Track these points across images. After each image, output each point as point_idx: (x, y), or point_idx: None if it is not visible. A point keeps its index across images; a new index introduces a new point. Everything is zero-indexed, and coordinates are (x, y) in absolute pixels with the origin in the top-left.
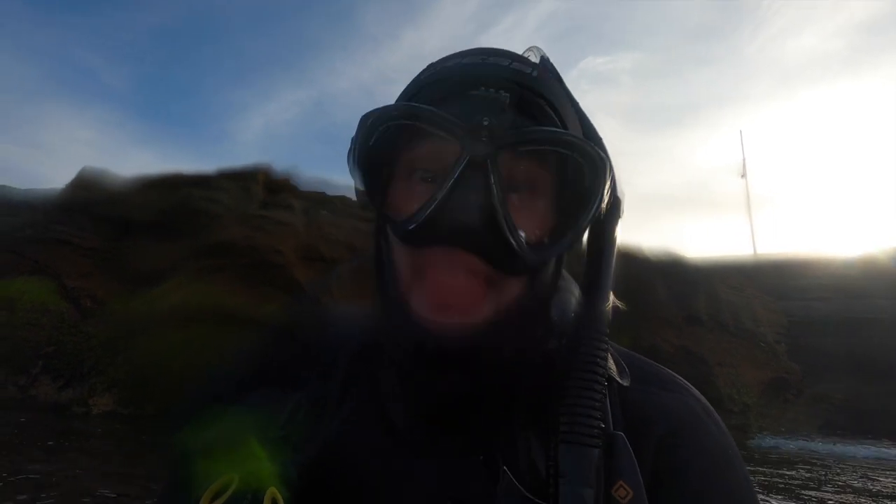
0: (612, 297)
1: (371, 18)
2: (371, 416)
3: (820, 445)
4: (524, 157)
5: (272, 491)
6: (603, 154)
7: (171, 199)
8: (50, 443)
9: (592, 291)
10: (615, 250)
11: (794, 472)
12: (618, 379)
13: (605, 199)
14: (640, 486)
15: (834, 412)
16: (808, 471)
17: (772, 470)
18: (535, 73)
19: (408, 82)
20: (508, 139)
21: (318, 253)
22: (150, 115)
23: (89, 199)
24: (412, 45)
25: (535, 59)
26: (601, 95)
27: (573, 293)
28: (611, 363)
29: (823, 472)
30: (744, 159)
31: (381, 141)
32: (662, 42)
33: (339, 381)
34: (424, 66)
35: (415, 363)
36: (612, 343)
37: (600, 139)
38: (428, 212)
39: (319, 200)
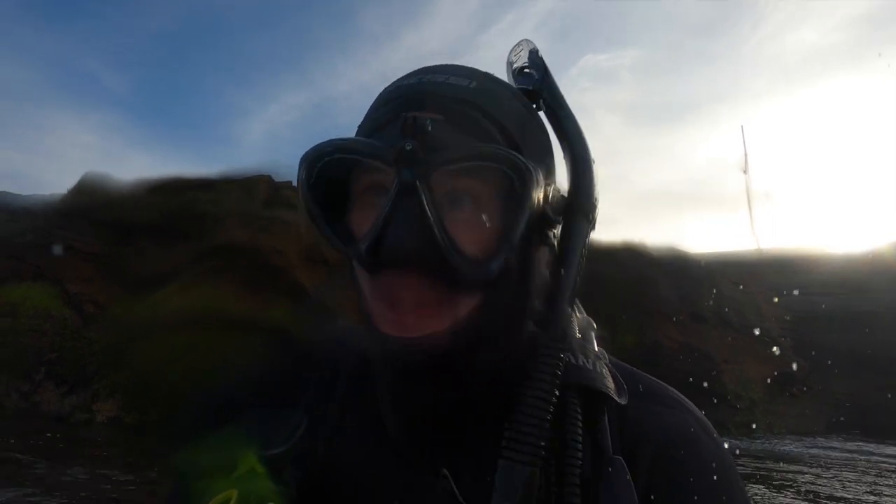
0: (590, 322)
1: (371, 18)
2: (368, 429)
3: (826, 446)
4: (458, 173)
5: None
6: (524, 161)
7: (172, 202)
8: (53, 451)
9: (551, 301)
10: (580, 256)
11: (799, 473)
12: (615, 397)
13: (538, 205)
14: None
15: (839, 408)
16: (814, 471)
17: (779, 468)
18: (472, 85)
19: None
20: (433, 160)
21: (320, 254)
22: (152, 118)
23: (91, 204)
24: (412, 44)
25: (524, 52)
26: (602, 93)
27: (538, 302)
28: (609, 381)
29: (829, 473)
30: (745, 155)
31: (323, 175)
32: (662, 39)
33: (339, 396)
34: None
35: (388, 377)
36: (611, 358)
37: (580, 139)
38: (370, 239)
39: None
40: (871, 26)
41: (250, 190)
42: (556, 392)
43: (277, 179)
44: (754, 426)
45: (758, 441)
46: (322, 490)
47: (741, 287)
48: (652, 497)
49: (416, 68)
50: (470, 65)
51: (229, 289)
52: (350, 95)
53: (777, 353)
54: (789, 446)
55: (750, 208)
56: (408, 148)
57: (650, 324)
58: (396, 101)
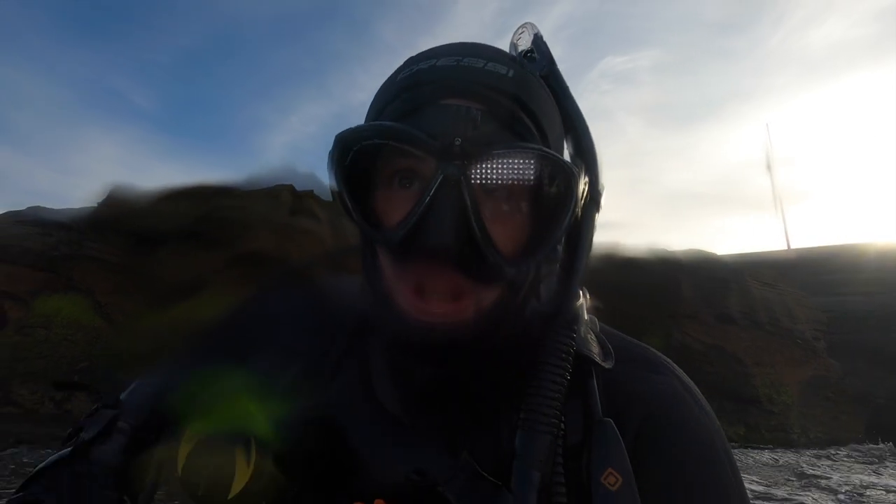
0: (583, 294)
1: (388, 29)
2: (359, 389)
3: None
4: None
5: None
6: (572, 166)
7: (199, 209)
8: None
9: (564, 286)
10: (591, 244)
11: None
12: (600, 362)
13: (579, 205)
14: (629, 473)
15: (878, 411)
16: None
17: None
18: (510, 74)
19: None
20: (480, 157)
21: (345, 265)
22: (177, 132)
23: (119, 214)
24: None
25: (528, 37)
26: (622, 94)
27: (550, 285)
28: (594, 346)
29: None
30: (771, 153)
31: (358, 158)
32: (681, 38)
33: (334, 354)
34: (404, 62)
35: (398, 352)
36: (602, 325)
37: (586, 130)
38: (406, 230)
39: (342, 211)
40: None
41: (275, 197)
42: (570, 368)
43: (298, 188)
44: (790, 430)
45: (792, 452)
46: (309, 440)
47: (772, 287)
48: (639, 463)
49: (441, 44)
50: None
51: None
52: (368, 104)
53: (811, 354)
54: (829, 456)
55: (779, 207)
56: (457, 143)
57: (676, 326)
58: (433, 84)
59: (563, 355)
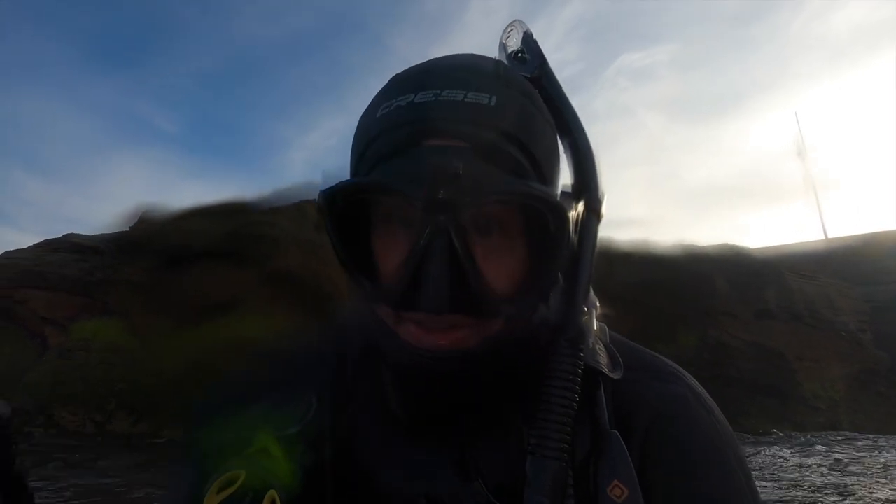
0: (594, 302)
1: (400, 41)
2: (372, 410)
3: None
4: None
5: (272, 494)
6: (560, 203)
7: (228, 225)
8: (125, 469)
9: (568, 300)
10: (592, 256)
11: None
12: (608, 373)
13: (573, 234)
14: (635, 486)
15: None
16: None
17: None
18: (493, 102)
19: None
20: (466, 206)
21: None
22: (201, 153)
23: (151, 234)
24: None
25: (518, 36)
26: (641, 91)
27: (556, 293)
28: (603, 357)
29: None
30: (802, 142)
31: (347, 207)
32: (698, 31)
33: (346, 379)
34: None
35: (406, 381)
36: (612, 333)
37: (582, 133)
38: (401, 286)
39: None
40: None
41: (301, 213)
42: (578, 389)
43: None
44: (839, 427)
45: (840, 448)
46: (333, 468)
47: (810, 279)
48: (645, 472)
49: (426, 63)
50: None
51: (290, 317)
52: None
53: (857, 347)
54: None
55: (813, 197)
56: (440, 197)
57: (712, 323)
58: (413, 124)
59: (571, 376)
